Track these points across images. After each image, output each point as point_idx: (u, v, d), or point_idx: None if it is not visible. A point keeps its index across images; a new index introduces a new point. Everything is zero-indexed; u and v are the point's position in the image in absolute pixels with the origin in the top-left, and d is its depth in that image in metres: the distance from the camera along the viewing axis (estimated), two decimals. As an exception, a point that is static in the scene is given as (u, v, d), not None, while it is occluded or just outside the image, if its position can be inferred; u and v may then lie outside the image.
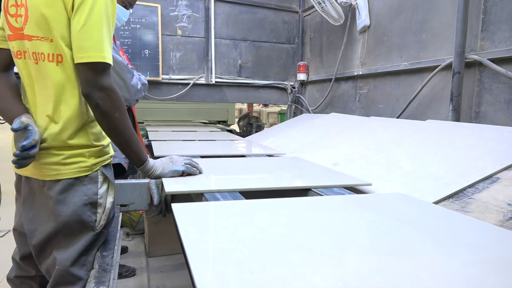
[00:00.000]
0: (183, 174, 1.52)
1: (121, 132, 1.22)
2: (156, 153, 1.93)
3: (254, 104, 14.28)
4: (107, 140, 1.30)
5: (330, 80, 3.30)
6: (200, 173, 1.56)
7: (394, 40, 2.58)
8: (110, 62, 1.15)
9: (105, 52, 1.13)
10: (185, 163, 1.52)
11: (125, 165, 2.29)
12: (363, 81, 2.93)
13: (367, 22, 2.81)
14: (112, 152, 1.34)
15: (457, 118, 2.00)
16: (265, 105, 14.50)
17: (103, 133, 1.28)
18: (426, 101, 2.31)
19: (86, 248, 1.23)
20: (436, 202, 1.21)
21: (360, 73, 2.91)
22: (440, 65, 2.16)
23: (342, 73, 3.16)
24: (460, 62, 1.99)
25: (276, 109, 13.45)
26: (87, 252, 1.23)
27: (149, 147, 2.59)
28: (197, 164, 1.57)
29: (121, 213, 1.62)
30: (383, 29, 2.68)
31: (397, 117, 2.43)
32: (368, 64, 2.84)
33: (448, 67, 2.10)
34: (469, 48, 2.01)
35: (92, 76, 1.13)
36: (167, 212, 1.67)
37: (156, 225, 3.09)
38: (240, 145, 2.62)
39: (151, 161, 1.41)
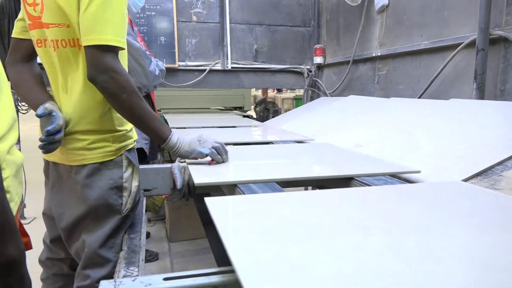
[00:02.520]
0: (206, 156, 1.43)
1: (133, 112, 1.18)
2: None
3: (268, 90, 14.23)
4: (130, 125, 1.31)
5: (347, 62, 3.25)
6: (223, 161, 1.45)
7: (414, 19, 2.51)
8: (116, 44, 1.11)
9: (108, 34, 1.10)
10: (213, 147, 1.42)
11: (146, 150, 2.31)
12: (382, 62, 2.87)
13: (386, 2, 2.75)
14: (135, 137, 1.35)
15: (481, 97, 1.95)
16: (279, 91, 14.42)
17: None
18: (449, 80, 2.26)
19: (114, 230, 1.25)
20: (465, 180, 1.19)
21: (379, 54, 2.86)
22: (463, 42, 2.10)
23: (360, 55, 3.10)
24: (484, 39, 1.93)
25: (290, 94, 13.35)
26: (115, 235, 1.26)
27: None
28: (226, 152, 1.47)
29: (144, 197, 1.64)
30: (402, 8, 2.62)
31: (418, 98, 2.39)
32: (387, 44, 2.79)
33: (472, 44, 2.04)
34: (494, 23, 1.95)
35: (94, 59, 1.10)
36: (190, 196, 1.68)
37: (177, 210, 3.12)
38: (264, 131, 2.55)
39: (175, 136, 1.33)
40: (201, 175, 1.28)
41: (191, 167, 1.37)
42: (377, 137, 1.81)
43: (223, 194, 1.43)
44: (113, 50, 1.12)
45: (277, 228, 0.79)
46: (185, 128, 2.62)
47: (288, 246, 0.70)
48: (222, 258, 1.33)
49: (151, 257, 2.79)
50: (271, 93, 14.45)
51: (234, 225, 0.81)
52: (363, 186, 1.22)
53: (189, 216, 3.12)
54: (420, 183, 1.24)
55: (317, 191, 1.09)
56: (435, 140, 1.53)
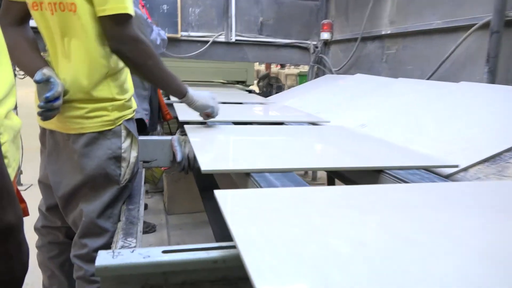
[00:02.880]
0: (206, 116, 1.58)
1: (158, 77, 1.26)
2: (181, 118, 1.83)
3: (271, 66, 14.08)
4: (129, 94, 1.29)
5: (355, 39, 3.19)
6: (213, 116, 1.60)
7: (428, -4, 2.45)
8: (132, 12, 1.13)
9: (125, 2, 1.11)
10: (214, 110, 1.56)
11: (146, 121, 2.29)
12: (391, 40, 2.82)
13: (399, -23, 2.67)
14: (135, 106, 1.34)
15: (492, 81, 1.92)
16: (283, 67, 14.25)
17: (126, 86, 1.28)
18: (460, 62, 2.22)
19: (112, 201, 1.26)
20: (471, 166, 1.18)
21: (389, 32, 2.80)
22: (476, 23, 2.05)
23: (368, 32, 3.04)
24: (499, 20, 1.88)
25: (294, 70, 13.18)
26: (113, 205, 1.26)
27: (170, 105, 2.59)
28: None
29: (143, 169, 1.64)
30: (416, -15, 2.55)
31: (427, 79, 2.35)
32: (398, 22, 2.73)
33: (486, 25, 2.00)
34: (510, 5, 1.90)
35: (116, 29, 1.12)
36: (189, 169, 1.69)
37: (176, 183, 3.13)
38: (274, 110, 2.48)
39: (191, 92, 1.46)
40: (208, 158, 1.18)
41: (196, 149, 1.31)
42: (383, 118, 1.80)
43: (230, 178, 1.37)
44: (130, 18, 1.14)
45: (294, 231, 0.68)
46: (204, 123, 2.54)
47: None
48: (221, 234, 1.35)
49: (148, 228, 2.81)
50: (274, 68, 14.27)
51: (247, 221, 0.72)
52: (396, 181, 1.09)
53: (187, 189, 3.12)
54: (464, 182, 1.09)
55: (346, 187, 0.93)
56: (443, 124, 1.51)
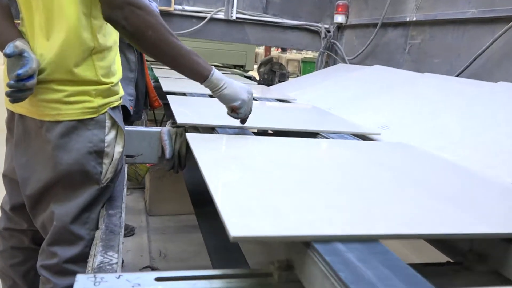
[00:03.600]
0: (232, 111, 1.37)
1: (163, 50, 1.16)
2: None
3: (272, 49, 14.01)
4: (117, 77, 1.26)
5: (374, 25, 3.15)
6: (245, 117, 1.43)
7: (463, -20, 2.41)
8: None
9: None
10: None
11: (131, 109, 2.24)
12: (417, 29, 2.78)
13: (430, -44, 2.62)
14: (122, 92, 1.29)
15: (534, 82, 1.89)
16: (284, 50, 14.19)
17: (114, 68, 1.24)
18: (496, 58, 2.18)
19: (89, 203, 1.22)
20: (516, 183, 1.14)
21: (414, 19, 2.76)
22: (519, 15, 2.02)
23: (391, 18, 3.00)
24: (547, 13, 1.85)
25: (296, 56, 13.15)
26: (90, 208, 1.23)
27: (158, 88, 2.53)
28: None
29: (126, 165, 1.60)
30: (449, -34, 2.51)
31: (457, 75, 2.32)
32: (426, 8, 2.69)
33: (530, 18, 1.96)
34: (560, -4, 1.86)
35: None
36: (180, 168, 1.64)
37: (159, 180, 3.09)
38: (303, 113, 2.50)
39: (218, 75, 1.29)
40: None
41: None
42: (407, 120, 1.76)
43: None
44: None
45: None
46: (185, 95, 2.51)
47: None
48: (219, 257, 1.30)
49: (126, 231, 2.76)
50: (274, 52, 14.23)
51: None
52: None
53: (172, 188, 3.08)
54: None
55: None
56: (478, 131, 1.48)
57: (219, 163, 1.09)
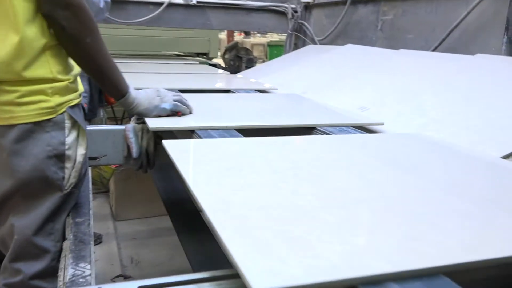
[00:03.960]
0: (170, 113, 1.50)
1: (96, 61, 1.19)
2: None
3: (234, 33, 13.95)
4: (75, 72, 1.22)
5: (344, 2, 3.17)
6: (190, 112, 1.55)
7: (433, -50, 2.45)
8: None
9: None
10: (174, 100, 1.48)
11: (85, 106, 2.20)
12: (388, 4, 2.82)
13: None
14: (81, 89, 1.26)
15: (512, 52, 1.94)
16: (247, 34, 14.16)
17: (70, 62, 1.20)
18: (471, 31, 2.23)
19: (53, 212, 1.18)
20: (505, 157, 1.17)
21: (385, -7, 2.79)
22: (493, -16, 2.06)
23: (360, -6, 3.03)
24: (521, -20, 1.90)
25: (262, 40, 13.13)
26: (54, 218, 1.19)
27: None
28: (187, 101, 1.55)
29: (90, 168, 1.56)
30: None
31: (433, 50, 2.36)
32: (396, -18, 2.72)
33: (504, -14, 2.01)
34: (534, -38, 1.91)
35: None
36: (148, 167, 1.62)
37: (125, 181, 3.06)
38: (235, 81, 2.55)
39: (133, 93, 1.37)
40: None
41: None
42: (386, 100, 1.78)
43: None
44: None
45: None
46: (134, 72, 2.49)
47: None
48: (199, 260, 1.30)
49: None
50: (237, 36, 14.16)
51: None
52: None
53: (140, 189, 3.05)
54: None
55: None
56: (461, 106, 1.51)
57: (213, 179, 0.92)
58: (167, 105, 1.46)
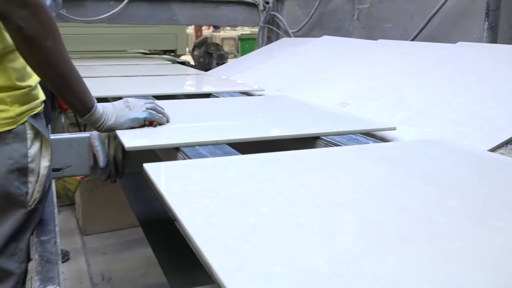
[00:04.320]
0: (145, 123, 1.40)
1: (57, 67, 1.13)
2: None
3: (203, 28, 13.93)
4: (35, 79, 1.20)
5: (317, -9, 3.20)
6: (167, 121, 1.46)
7: None
8: None
9: None
10: (147, 108, 1.40)
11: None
12: (364, -8, 2.85)
13: None
14: (42, 97, 1.24)
15: (494, 40, 2.00)
16: (216, 28, 14.16)
17: (29, 69, 1.17)
18: (451, 17, 2.28)
19: (16, 231, 1.16)
20: (492, 150, 1.20)
21: (360, -19, 2.83)
22: (471, -32, 2.12)
23: (334, -18, 3.06)
24: (500, -36, 1.95)
25: (232, 33, 13.15)
26: (18, 237, 1.17)
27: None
28: (163, 109, 1.46)
29: (54, 180, 1.54)
30: None
31: (412, 39, 2.41)
32: (371, -32, 2.76)
33: (483, -29, 2.06)
34: None
35: None
36: (117, 176, 1.61)
37: (92, 192, 3.03)
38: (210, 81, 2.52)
39: (99, 106, 1.30)
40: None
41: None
42: (367, 94, 1.80)
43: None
44: None
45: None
46: (97, 77, 2.45)
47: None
48: (175, 273, 1.29)
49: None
50: (205, 31, 14.14)
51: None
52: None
53: (108, 200, 3.02)
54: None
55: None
56: (446, 97, 1.54)
57: (214, 218, 0.76)
58: (138, 114, 1.38)
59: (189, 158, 1.17)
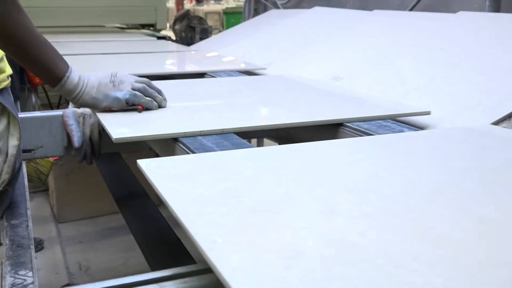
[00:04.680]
0: (128, 106, 1.33)
1: (13, 37, 1.13)
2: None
3: (184, 2, 13.82)
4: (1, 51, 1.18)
5: (308, -41, 3.17)
6: (161, 106, 1.36)
7: None
8: None
9: None
10: (134, 88, 1.31)
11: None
12: (358, -41, 2.84)
13: None
14: (9, 70, 1.22)
15: (496, 9, 2.00)
16: (199, 2, 14.06)
17: None
18: (451, -14, 2.27)
19: (-16, 215, 1.16)
20: (494, 124, 1.21)
21: None
22: None
23: (326, -52, 3.04)
24: None
25: (216, 7, 13.06)
26: None
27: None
28: (159, 91, 1.38)
29: (23, 162, 1.53)
30: None
31: (410, 10, 2.41)
32: None
33: None
34: None
35: None
36: (94, 157, 1.60)
37: (67, 177, 3.00)
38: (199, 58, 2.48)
39: (75, 76, 1.26)
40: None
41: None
42: (362, 67, 1.80)
43: (150, 154, 1.40)
44: None
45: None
46: (72, 55, 2.42)
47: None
48: (157, 258, 1.28)
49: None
50: (187, 4, 14.04)
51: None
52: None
53: (84, 184, 3.00)
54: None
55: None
56: (445, 71, 1.54)
57: (238, 236, 0.63)
58: (121, 94, 1.29)
59: (192, 151, 1.06)
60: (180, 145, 1.12)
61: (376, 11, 2.42)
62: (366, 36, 2.11)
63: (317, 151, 1.00)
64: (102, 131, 1.51)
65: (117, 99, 1.30)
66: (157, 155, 1.27)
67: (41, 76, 1.24)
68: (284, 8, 3.50)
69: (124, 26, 4.48)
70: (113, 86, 1.30)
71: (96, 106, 1.31)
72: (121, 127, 1.17)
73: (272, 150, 1.02)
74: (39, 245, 2.72)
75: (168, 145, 1.19)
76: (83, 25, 4.14)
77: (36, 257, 1.06)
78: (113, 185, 1.84)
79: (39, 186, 3.21)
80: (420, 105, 1.38)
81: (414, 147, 1.05)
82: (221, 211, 0.69)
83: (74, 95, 1.27)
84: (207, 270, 0.68)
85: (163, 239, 1.35)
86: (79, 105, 1.33)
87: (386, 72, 1.69)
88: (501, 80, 1.38)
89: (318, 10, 2.84)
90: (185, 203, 0.71)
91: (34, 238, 2.67)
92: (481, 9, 2.09)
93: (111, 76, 1.32)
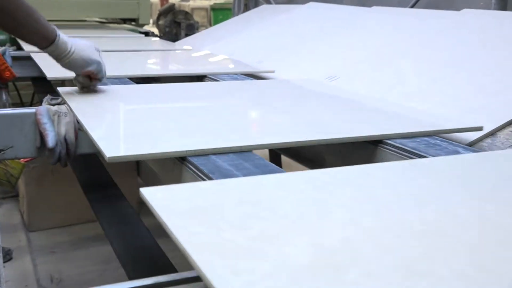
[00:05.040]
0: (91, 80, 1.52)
1: (6, 8, 1.24)
2: (50, 75, 1.84)
3: (169, -4, 13.83)
4: None
5: (303, -49, 3.19)
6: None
7: None
8: None
9: None
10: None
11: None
12: (356, -48, 2.86)
13: None
14: None
15: (503, 6, 2.02)
16: (185, -3, 14.11)
17: None
18: (455, -18, 2.29)
19: None
20: (499, 129, 1.21)
21: None
22: None
23: None
24: None
25: (204, 3, 13.09)
26: None
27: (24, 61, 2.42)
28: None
29: (-8, 163, 1.52)
30: None
31: (412, 7, 2.42)
32: None
33: None
34: None
35: None
36: (68, 159, 1.59)
37: (39, 181, 2.98)
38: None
39: (63, 35, 1.40)
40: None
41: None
42: (360, 67, 1.81)
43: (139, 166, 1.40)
44: None
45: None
46: None
47: None
48: (134, 267, 1.27)
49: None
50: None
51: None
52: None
53: (58, 189, 2.97)
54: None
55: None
56: (448, 72, 1.54)
57: None
58: (102, 62, 1.50)
59: (206, 175, 0.92)
60: (189, 166, 0.98)
61: (375, 8, 2.43)
62: (364, 35, 2.12)
63: (367, 178, 0.86)
64: (78, 130, 1.51)
65: (100, 64, 1.48)
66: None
67: (36, 38, 1.35)
68: (277, 3, 3.51)
69: (104, 20, 4.47)
70: (99, 55, 1.49)
71: (83, 67, 1.46)
72: (113, 140, 1.09)
73: (310, 176, 0.87)
74: (8, 255, 2.69)
75: (172, 165, 1.08)
76: (63, 19, 4.12)
77: (4, 267, 1.05)
78: (89, 190, 1.83)
79: (9, 190, 3.19)
80: (425, 107, 1.38)
81: (488, 175, 0.90)
82: (262, 268, 0.55)
83: (66, 53, 1.40)
84: (191, 279, 0.67)
85: (144, 248, 1.33)
86: (67, 65, 1.44)
87: (386, 72, 1.69)
88: (507, 82, 1.38)
89: (312, 6, 2.85)
90: (212, 254, 0.57)
91: (2, 248, 2.66)
92: (487, 6, 2.11)
93: (96, 46, 1.50)
